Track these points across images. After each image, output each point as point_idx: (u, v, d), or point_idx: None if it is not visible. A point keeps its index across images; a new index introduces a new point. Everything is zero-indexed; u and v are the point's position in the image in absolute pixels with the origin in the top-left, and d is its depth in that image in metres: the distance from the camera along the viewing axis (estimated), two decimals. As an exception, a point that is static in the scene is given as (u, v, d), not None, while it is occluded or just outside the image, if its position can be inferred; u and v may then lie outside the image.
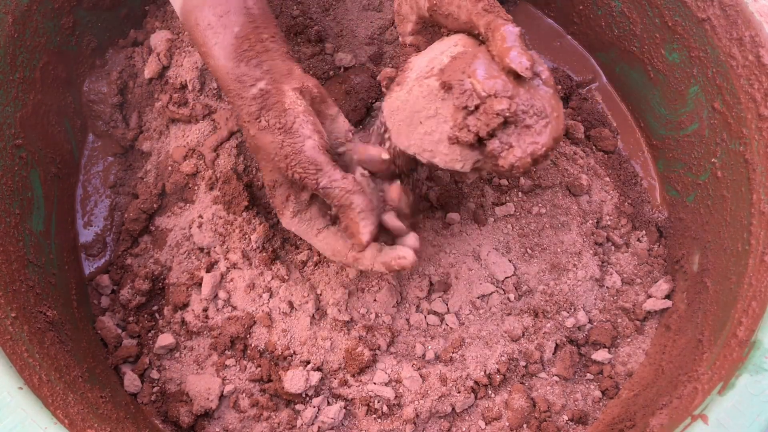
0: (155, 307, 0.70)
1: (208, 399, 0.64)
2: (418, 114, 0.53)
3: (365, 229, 0.54)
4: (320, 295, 0.67)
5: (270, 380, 0.65)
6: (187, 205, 0.72)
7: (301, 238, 0.69)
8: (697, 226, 0.69)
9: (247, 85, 0.55)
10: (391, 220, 0.58)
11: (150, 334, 0.69)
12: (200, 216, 0.70)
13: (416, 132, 0.53)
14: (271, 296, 0.67)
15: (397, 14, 0.61)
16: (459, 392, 0.64)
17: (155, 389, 0.66)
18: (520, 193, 0.72)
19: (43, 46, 0.68)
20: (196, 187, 0.71)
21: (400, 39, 0.61)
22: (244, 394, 0.65)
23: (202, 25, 0.56)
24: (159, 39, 0.74)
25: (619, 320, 0.70)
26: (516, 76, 0.49)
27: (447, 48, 0.54)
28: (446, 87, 0.51)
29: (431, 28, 0.59)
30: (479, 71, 0.50)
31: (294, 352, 0.65)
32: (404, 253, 0.57)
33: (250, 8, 0.57)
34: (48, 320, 0.60)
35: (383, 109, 0.57)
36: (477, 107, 0.49)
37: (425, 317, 0.68)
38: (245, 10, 0.57)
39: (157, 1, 0.79)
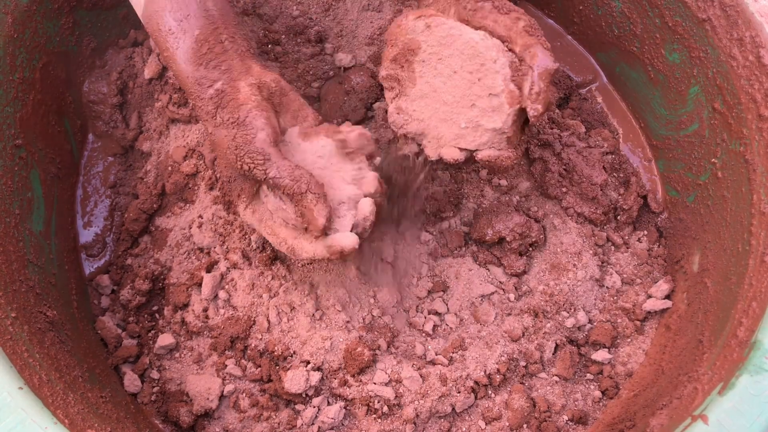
0: (155, 307, 0.70)
1: (208, 399, 0.64)
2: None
3: (320, 213, 0.55)
4: (320, 295, 0.67)
5: (270, 380, 0.65)
6: (187, 205, 0.72)
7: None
8: (698, 227, 0.69)
9: (205, 86, 0.57)
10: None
11: (150, 334, 0.69)
12: (200, 216, 0.70)
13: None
14: (271, 296, 0.67)
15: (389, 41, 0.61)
16: (459, 392, 0.64)
17: (155, 389, 0.66)
18: (518, 195, 0.72)
19: (43, 46, 0.68)
20: (196, 187, 0.71)
21: (382, 69, 0.62)
22: (244, 394, 0.65)
23: (163, 30, 0.58)
24: (159, 39, 0.74)
25: (619, 320, 0.70)
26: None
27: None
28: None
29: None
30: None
31: (294, 352, 0.65)
32: (349, 236, 0.58)
33: (209, 10, 0.58)
34: (48, 320, 0.60)
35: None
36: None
37: (425, 317, 0.68)
38: (205, 12, 0.58)
39: (157, 1, 0.79)
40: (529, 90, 0.56)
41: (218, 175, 0.60)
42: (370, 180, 0.59)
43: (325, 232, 0.56)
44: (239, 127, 0.56)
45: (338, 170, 0.60)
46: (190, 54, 0.57)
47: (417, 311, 0.68)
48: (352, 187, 0.59)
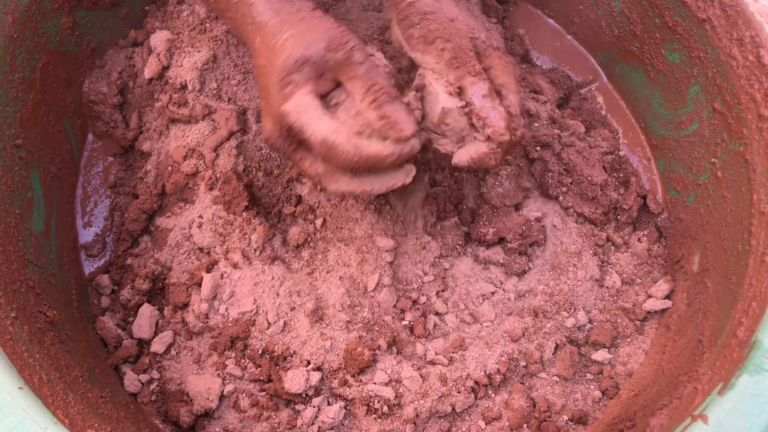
0: (155, 307, 0.70)
1: (208, 399, 0.64)
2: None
3: (410, 117, 0.53)
4: (320, 295, 0.67)
5: (270, 380, 0.65)
6: (187, 205, 0.72)
7: (305, 244, 0.69)
8: (697, 226, 0.69)
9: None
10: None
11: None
12: (200, 216, 0.70)
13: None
14: (271, 296, 0.67)
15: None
16: (459, 392, 0.64)
17: (155, 389, 0.66)
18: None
19: (43, 46, 0.68)
20: (196, 187, 0.71)
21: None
22: (244, 394, 0.65)
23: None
24: (159, 39, 0.74)
25: (619, 320, 0.70)
26: None
27: None
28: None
29: None
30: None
31: (294, 352, 0.65)
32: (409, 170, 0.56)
33: None
34: (48, 320, 0.60)
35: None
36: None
37: (425, 317, 0.68)
38: None
39: (157, 1, 0.79)
40: (482, 122, 0.55)
41: (286, 57, 0.55)
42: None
43: (406, 141, 0.53)
44: (342, 25, 0.55)
45: None
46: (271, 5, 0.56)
47: (417, 311, 0.68)
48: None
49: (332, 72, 0.55)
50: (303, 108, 0.54)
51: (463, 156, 0.57)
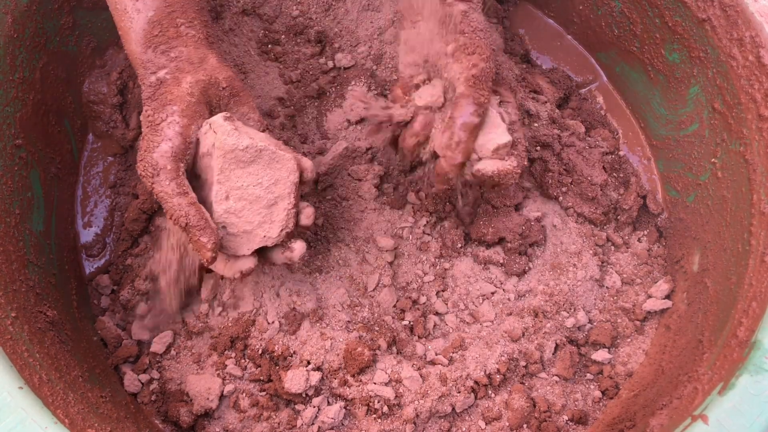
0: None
1: (208, 399, 0.64)
2: None
3: (208, 245, 0.54)
4: (321, 295, 0.67)
5: (270, 380, 0.65)
6: (187, 205, 0.72)
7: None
8: (697, 226, 0.69)
9: (149, 72, 0.56)
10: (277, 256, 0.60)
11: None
12: (200, 216, 0.70)
13: None
14: (271, 296, 0.67)
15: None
16: (459, 392, 0.64)
17: (155, 389, 0.66)
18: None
19: (43, 46, 0.68)
20: (196, 187, 0.71)
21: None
22: (244, 394, 0.65)
23: (120, 8, 0.57)
24: (159, 39, 0.74)
25: (619, 320, 0.70)
26: None
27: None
28: None
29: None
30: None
31: (294, 352, 0.65)
32: (246, 262, 0.58)
33: None
34: (48, 320, 0.60)
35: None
36: None
37: (425, 317, 0.68)
38: None
39: (157, 1, 0.79)
40: (449, 139, 0.57)
41: None
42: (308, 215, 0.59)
43: (214, 258, 0.55)
44: (151, 129, 0.55)
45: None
46: (141, 35, 0.56)
47: (417, 311, 0.68)
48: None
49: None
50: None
51: (489, 166, 0.59)
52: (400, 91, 0.64)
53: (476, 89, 0.57)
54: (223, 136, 0.55)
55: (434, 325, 0.68)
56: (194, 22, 0.58)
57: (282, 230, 0.57)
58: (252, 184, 0.56)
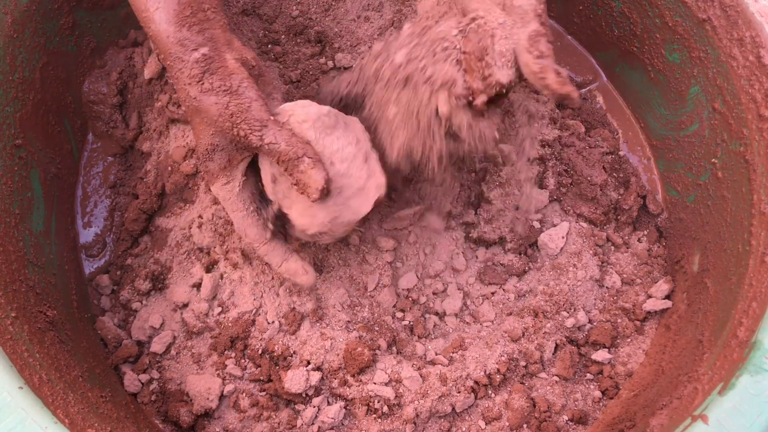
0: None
1: (208, 399, 0.64)
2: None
3: (318, 175, 0.54)
4: (320, 295, 0.67)
5: (270, 380, 0.65)
6: (187, 205, 0.72)
7: (305, 244, 0.69)
8: (698, 227, 0.69)
9: (190, 49, 0.56)
10: None
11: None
12: (200, 216, 0.70)
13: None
14: (271, 296, 0.67)
15: None
16: (459, 392, 0.64)
17: (155, 389, 0.66)
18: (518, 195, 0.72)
19: (42, 46, 0.68)
20: (196, 187, 0.71)
21: None
22: (244, 394, 0.65)
23: None
24: (159, 39, 0.74)
25: (619, 320, 0.70)
26: None
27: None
28: None
29: None
30: None
31: (294, 352, 0.65)
32: (308, 271, 0.61)
33: None
34: (48, 320, 0.60)
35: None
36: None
37: (425, 317, 0.68)
38: None
39: (157, 1, 0.79)
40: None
41: (198, 146, 0.59)
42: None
43: (324, 195, 0.55)
44: (232, 95, 0.55)
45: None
46: (173, 15, 0.56)
47: (417, 311, 0.68)
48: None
49: (241, 146, 0.57)
50: (222, 198, 0.60)
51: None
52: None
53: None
54: (302, 108, 0.57)
55: (434, 325, 0.68)
56: (217, 9, 0.59)
57: (383, 176, 0.58)
58: (344, 146, 0.57)
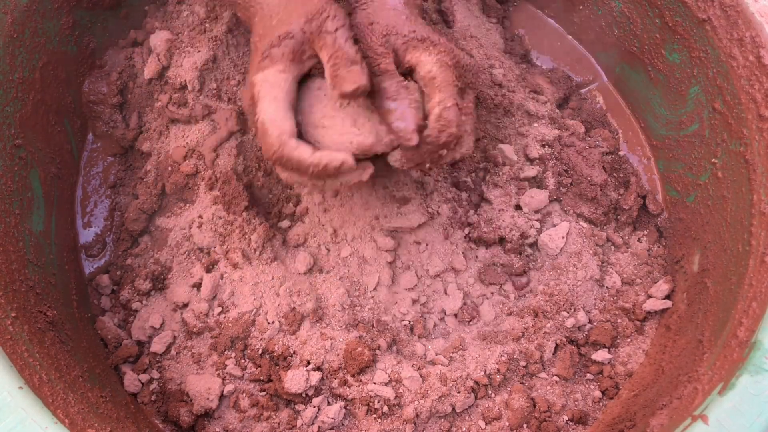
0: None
1: (208, 399, 0.64)
2: None
3: (362, 75, 0.52)
4: (320, 294, 0.67)
5: (270, 380, 0.65)
6: (187, 205, 0.72)
7: (305, 244, 0.69)
8: (698, 227, 0.69)
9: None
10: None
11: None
12: (200, 216, 0.70)
13: None
14: (271, 296, 0.67)
15: None
16: (459, 392, 0.64)
17: (155, 389, 0.66)
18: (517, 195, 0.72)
19: (42, 46, 0.68)
20: (196, 188, 0.71)
21: None
22: (244, 394, 0.65)
23: None
24: (159, 39, 0.74)
25: (619, 320, 0.70)
26: None
27: None
28: None
29: None
30: None
31: (294, 352, 0.65)
32: (341, 156, 0.52)
33: None
34: (48, 320, 0.60)
35: None
36: None
37: (425, 317, 0.68)
38: None
39: (157, 1, 0.79)
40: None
41: (271, 31, 0.55)
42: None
43: (357, 94, 0.52)
44: None
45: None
46: None
47: (417, 311, 0.68)
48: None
49: (309, 44, 0.55)
50: (268, 84, 0.54)
51: (395, 156, 0.56)
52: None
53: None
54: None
55: (434, 325, 0.68)
56: None
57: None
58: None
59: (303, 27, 0.54)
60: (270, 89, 0.54)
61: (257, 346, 0.66)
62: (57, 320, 0.61)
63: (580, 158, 0.73)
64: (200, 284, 0.68)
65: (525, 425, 0.64)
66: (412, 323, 0.68)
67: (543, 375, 0.67)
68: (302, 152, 0.52)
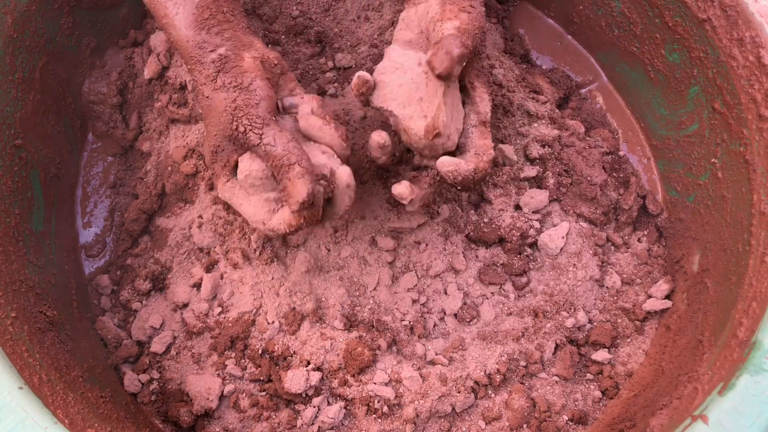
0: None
1: (208, 399, 0.64)
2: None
3: (303, 187, 0.53)
4: (320, 294, 0.67)
5: (270, 380, 0.65)
6: (187, 205, 0.72)
7: (305, 244, 0.69)
8: (697, 227, 0.69)
9: (207, 50, 0.57)
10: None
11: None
12: (200, 216, 0.70)
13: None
14: (271, 296, 0.67)
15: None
16: (459, 392, 0.64)
17: (155, 389, 0.66)
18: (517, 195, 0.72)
19: (42, 46, 0.68)
20: (196, 187, 0.71)
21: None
22: (244, 394, 0.65)
23: None
24: (159, 39, 0.74)
25: (619, 320, 0.70)
26: None
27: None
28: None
29: None
30: None
31: (294, 352, 0.65)
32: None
33: None
34: (48, 320, 0.60)
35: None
36: None
37: (425, 317, 0.68)
38: None
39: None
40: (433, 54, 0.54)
41: (205, 147, 0.59)
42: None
43: (304, 208, 0.54)
44: (242, 91, 0.55)
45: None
46: (191, 19, 0.57)
47: (417, 311, 0.68)
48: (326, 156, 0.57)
49: (239, 149, 0.57)
50: (228, 194, 0.59)
51: (446, 165, 0.57)
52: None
53: (462, 35, 0.55)
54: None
55: (434, 325, 0.68)
56: (235, 12, 0.60)
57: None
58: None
59: (227, 139, 0.57)
60: (232, 198, 0.59)
61: (257, 346, 0.66)
62: (57, 320, 0.61)
63: (580, 158, 0.73)
64: (200, 284, 0.68)
65: (525, 425, 0.64)
66: (412, 323, 0.68)
67: (543, 375, 0.67)
68: (277, 223, 0.57)
